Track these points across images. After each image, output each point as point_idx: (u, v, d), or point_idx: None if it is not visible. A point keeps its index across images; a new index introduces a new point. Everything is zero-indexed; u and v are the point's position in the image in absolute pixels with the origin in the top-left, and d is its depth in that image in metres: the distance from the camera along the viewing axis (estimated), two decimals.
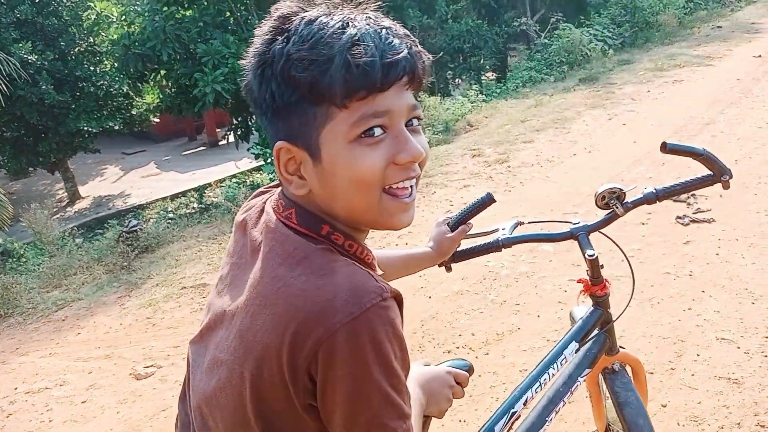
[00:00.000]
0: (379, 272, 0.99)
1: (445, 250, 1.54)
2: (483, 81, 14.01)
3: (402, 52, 0.84)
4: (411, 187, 0.91)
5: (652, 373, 2.78)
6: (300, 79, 0.82)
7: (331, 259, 0.87)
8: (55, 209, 14.08)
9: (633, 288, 1.61)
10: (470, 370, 1.30)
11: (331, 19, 0.84)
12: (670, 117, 7.12)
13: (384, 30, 0.85)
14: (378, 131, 0.85)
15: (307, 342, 0.80)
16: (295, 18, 0.87)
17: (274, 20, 0.89)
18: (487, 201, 1.54)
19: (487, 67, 14.69)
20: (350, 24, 0.84)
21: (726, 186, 1.50)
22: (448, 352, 3.17)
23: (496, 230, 1.62)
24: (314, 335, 0.80)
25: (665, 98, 8.12)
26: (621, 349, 1.70)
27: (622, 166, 5.57)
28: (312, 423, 0.88)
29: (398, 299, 0.87)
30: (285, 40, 0.84)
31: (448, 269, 1.63)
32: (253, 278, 0.90)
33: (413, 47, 0.87)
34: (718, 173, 1.48)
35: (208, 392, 0.95)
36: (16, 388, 3.63)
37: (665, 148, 1.47)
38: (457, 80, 14.55)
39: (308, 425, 0.88)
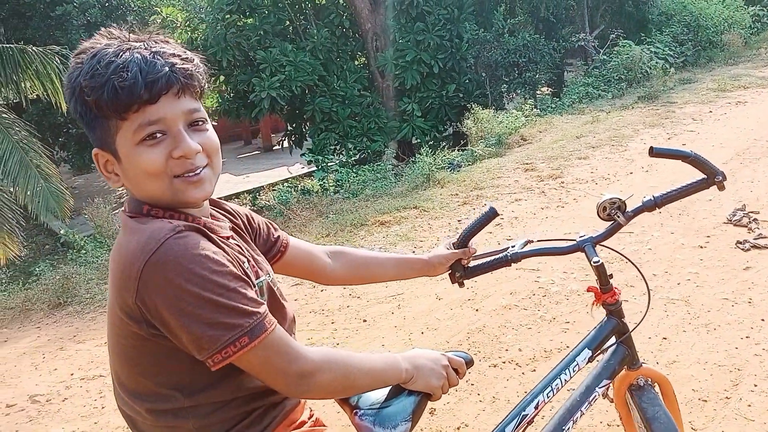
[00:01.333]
0: (225, 233, 1.18)
1: (436, 263, 1.62)
2: (538, 95, 13.89)
3: (162, 71, 1.04)
4: (198, 168, 1.09)
5: (705, 400, 2.70)
6: (89, 102, 1.04)
7: (145, 223, 1.07)
8: (113, 205, 14.57)
9: (648, 300, 1.64)
10: (470, 362, 1.33)
11: (110, 51, 1.05)
12: (733, 139, 6.91)
13: (152, 54, 1.05)
14: (158, 135, 1.06)
15: (129, 285, 1.00)
16: (87, 52, 1.07)
17: (75, 56, 1.09)
18: (491, 215, 1.58)
19: (543, 81, 14.53)
20: (120, 54, 1.04)
21: (721, 187, 1.53)
22: (494, 366, 3.15)
23: (507, 248, 1.65)
24: (132, 277, 0.99)
25: (728, 119, 7.88)
26: (644, 365, 1.70)
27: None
28: (161, 343, 1.04)
29: (199, 230, 1.06)
30: (78, 72, 1.06)
31: (461, 285, 1.68)
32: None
33: (179, 64, 1.06)
34: (711, 175, 1.52)
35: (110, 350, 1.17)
36: (72, 374, 3.77)
37: (652, 152, 1.52)
38: (511, 94, 14.43)
39: (158, 347, 1.05)
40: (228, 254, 1.09)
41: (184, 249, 1.00)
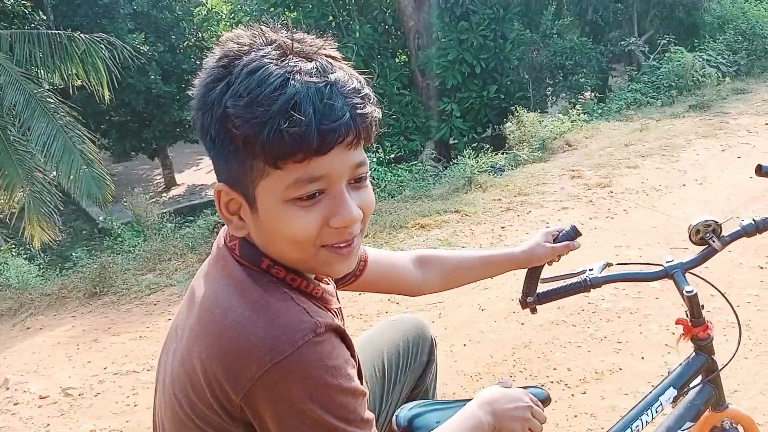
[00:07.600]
0: (335, 305, 1.01)
1: (537, 258, 1.46)
2: (581, 100, 13.58)
3: (342, 117, 0.80)
4: (352, 238, 0.89)
5: None
6: (235, 134, 0.80)
7: (268, 294, 0.87)
8: (151, 194, 14.74)
9: (740, 335, 1.49)
10: (546, 399, 1.22)
11: (274, 69, 0.80)
12: None
13: (328, 87, 0.80)
14: (317, 194, 0.84)
15: (240, 381, 0.81)
16: (238, 62, 0.82)
17: (218, 60, 0.85)
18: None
19: (588, 86, 14.18)
20: (291, 80, 0.79)
21: None
22: (542, 385, 2.99)
23: (584, 271, 1.53)
24: (247, 375, 0.80)
25: None
26: (730, 406, 1.56)
27: (736, 202, 5.15)
28: None
29: (337, 331, 0.86)
30: (225, 87, 0.81)
31: (533, 311, 1.53)
32: (199, 301, 0.92)
33: (359, 107, 0.82)
34: None
35: (161, 408, 0.97)
36: (105, 368, 3.72)
37: (761, 171, 1.46)
38: (554, 97, 14.13)
39: None
40: (354, 356, 0.92)
41: (319, 360, 0.82)
